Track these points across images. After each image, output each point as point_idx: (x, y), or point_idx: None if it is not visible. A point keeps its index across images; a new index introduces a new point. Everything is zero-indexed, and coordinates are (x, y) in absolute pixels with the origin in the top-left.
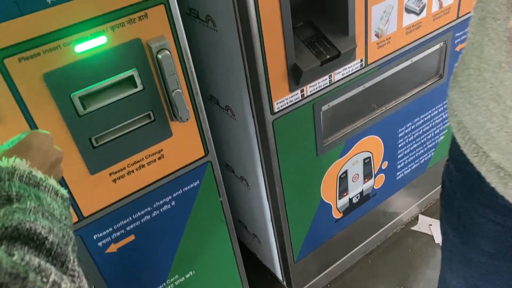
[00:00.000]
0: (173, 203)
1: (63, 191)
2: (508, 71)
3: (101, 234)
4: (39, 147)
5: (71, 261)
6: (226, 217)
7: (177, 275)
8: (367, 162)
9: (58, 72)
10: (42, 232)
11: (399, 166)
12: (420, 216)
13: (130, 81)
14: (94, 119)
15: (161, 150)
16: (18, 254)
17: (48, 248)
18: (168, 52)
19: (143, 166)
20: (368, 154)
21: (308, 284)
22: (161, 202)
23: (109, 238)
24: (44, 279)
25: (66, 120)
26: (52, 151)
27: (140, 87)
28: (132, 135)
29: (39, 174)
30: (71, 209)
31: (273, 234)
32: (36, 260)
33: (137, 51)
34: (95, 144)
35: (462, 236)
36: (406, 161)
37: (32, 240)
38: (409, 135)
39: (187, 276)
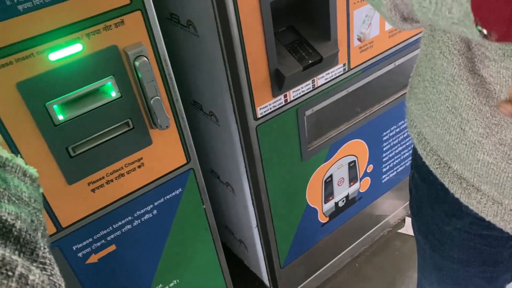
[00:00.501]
0: (154, 212)
1: (32, 171)
2: (461, 84)
3: (80, 245)
4: None
5: (41, 248)
6: (210, 224)
7: (161, 284)
8: (352, 166)
9: (32, 81)
10: (9, 219)
11: (384, 169)
12: (407, 219)
13: (107, 88)
14: (71, 128)
15: (141, 158)
16: None
17: (15, 235)
18: (145, 59)
19: (122, 175)
20: (353, 158)
21: None
22: (142, 211)
23: (89, 248)
24: (9, 273)
25: (42, 129)
26: None
27: (117, 95)
28: (111, 144)
29: (4, 154)
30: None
31: (259, 240)
32: None
33: (114, 58)
34: (72, 154)
35: (432, 244)
36: (392, 164)
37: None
38: (394, 138)
39: (171, 285)
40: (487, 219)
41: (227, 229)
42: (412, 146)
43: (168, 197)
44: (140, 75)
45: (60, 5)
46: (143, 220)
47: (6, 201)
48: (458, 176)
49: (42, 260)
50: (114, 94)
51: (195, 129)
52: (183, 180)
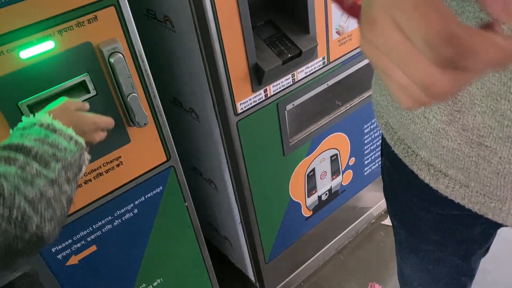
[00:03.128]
0: (135, 211)
1: (78, 138)
2: None
3: (60, 246)
4: (63, 108)
5: (53, 163)
6: (193, 222)
7: (144, 284)
8: (334, 159)
9: (3, 79)
10: (29, 145)
11: (366, 162)
12: None
13: (83, 86)
14: None
15: (120, 157)
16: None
17: (33, 153)
18: (120, 55)
19: (101, 174)
20: (335, 151)
21: (281, 284)
22: (122, 210)
23: (69, 250)
24: (12, 162)
25: None
26: (78, 117)
27: (93, 93)
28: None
29: (58, 125)
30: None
31: (243, 236)
32: (11, 154)
33: (88, 55)
34: None
35: (407, 228)
36: (373, 156)
37: (21, 149)
38: (375, 130)
39: (155, 284)
40: (456, 201)
41: (211, 226)
42: None
43: (148, 195)
44: (115, 72)
45: (30, 1)
46: (123, 219)
47: (33, 141)
48: (425, 163)
49: (52, 169)
50: (89, 92)
51: (176, 126)
52: (164, 178)
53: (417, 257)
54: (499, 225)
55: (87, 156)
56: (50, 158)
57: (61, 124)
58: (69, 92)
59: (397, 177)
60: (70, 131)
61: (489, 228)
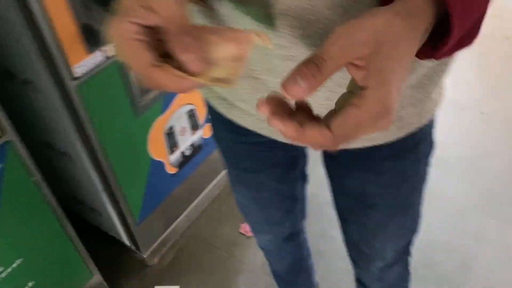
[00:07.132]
0: None
1: None
2: None
3: None
4: None
5: None
6: (45, 196)
7: (2, 268)
8: (191, 115)
9: None
10: None
11: None
12: None
13: None
14: None
15: None
16: None
17: None
18: None
19: None
20: (191, 107)
21: (158, 242)
22: None
23: None
24: None
25: None
26: None
27: None
28: None
29: None
30: None
31: (109, 203)
32: None
33: None
34: None
35: (229, 161)
36: None
37: None
38: None
39: (14, 265)
40: (247, 127)
41: (76, 199)
42: None
43: None
44: None
45: None
46: None
47: None
48: (220, 98)
49: None
50: None
51: (12, 100)
52: (1, 154)
53: (243, 187)
54: (296, 149)
55: None
56: None
57: None
58: None
59: (212, 112)
60: None
61: (290, 151)
